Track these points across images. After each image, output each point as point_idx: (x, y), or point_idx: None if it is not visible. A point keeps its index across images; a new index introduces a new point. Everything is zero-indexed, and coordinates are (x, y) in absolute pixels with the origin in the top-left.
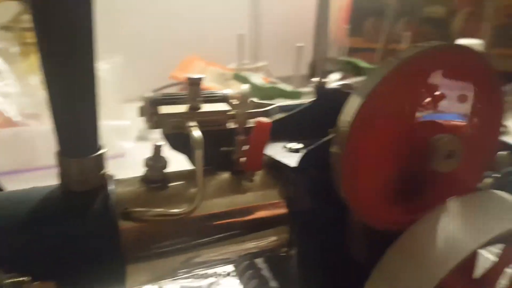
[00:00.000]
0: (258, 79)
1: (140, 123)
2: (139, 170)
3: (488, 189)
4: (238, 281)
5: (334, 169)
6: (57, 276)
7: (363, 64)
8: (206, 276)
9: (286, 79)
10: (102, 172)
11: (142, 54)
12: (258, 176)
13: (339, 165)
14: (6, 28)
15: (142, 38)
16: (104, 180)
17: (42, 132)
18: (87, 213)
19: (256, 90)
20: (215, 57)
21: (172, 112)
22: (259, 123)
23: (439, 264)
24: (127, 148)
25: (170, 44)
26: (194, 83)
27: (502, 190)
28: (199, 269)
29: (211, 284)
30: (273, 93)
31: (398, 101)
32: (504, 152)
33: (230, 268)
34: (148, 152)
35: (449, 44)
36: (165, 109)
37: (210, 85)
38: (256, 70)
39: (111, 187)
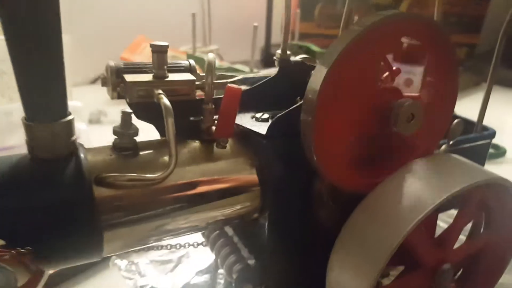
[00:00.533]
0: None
1: (91, 106)
2: None
3: (444, 154)
4: (209, 250)
5: (304, 136)
6: (34, 244)
7: (315, 48)
8: (178, 248)
9: (237, 64)
10: (72, 138)
11: (90, 34)
12: (229, 144)
13: (309, 132)
14: None
15: (90, 18)
16: (74, 147)
17: None
18: (61, 180)
19: None
20: (165, 38)
21: (139, 80)
22: (230, 88)
23: (404, 220)
24: (81, 130)
25: (119, 25)
26: (160, 51)
27: None
28: (174, 235)
29: (182, 256)
30: (229, 72)
31: (361, 68)
32: (456, 121)
33: (200, 239)
34: (102, 135)
35: (409, 13)
36: (130, 78)
37: None
38: (208, 53)
39: (81, 154)
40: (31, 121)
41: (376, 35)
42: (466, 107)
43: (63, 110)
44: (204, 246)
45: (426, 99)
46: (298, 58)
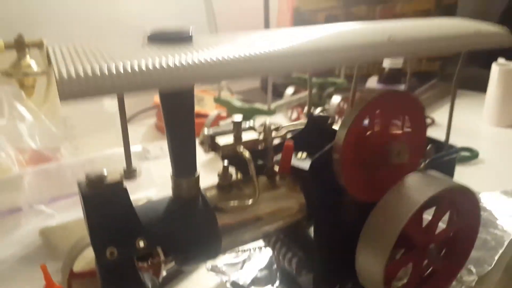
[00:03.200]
0: (238, 102)
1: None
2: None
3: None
4: (264, 254)
5: (336, 168)
6: (180, 250)
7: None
8: (243, 251)
9: (243, 93)
10: (198, 185)
11: None
12: (286, 177)
13: (339, 165)
14: (7, 74)
15: None
16: (199, 190)
17: (70, 165)
18: (197, 210)
19: (237, 110)
20: None
21: (227, 144)
22: (287, 144)
23: (402, 216)
24: (143, 168)
25: None
26: (238, 124)
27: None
28: (256, 239)
29: (245, 259)
30: (251, 112)
31: (368, 125)
32: (429, 146)
33: (261, 244)
34: (157, 170)
35: (395, 90)
36: (221, 140)
37: None
38: (221, 88)
39: (203, 193)
40: (177, 177)
41: (375, 104)
42: (446, 113)
43: (194, 169)
44: (265, 247)
45: (408, 137)
46: (317, 112)
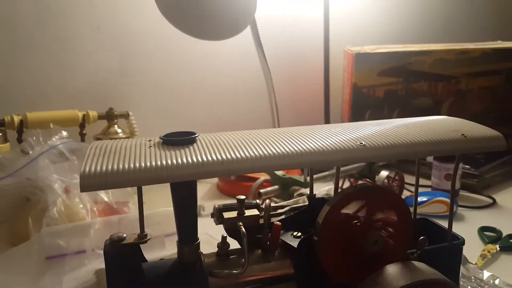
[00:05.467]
0: (280, 172)
1: None
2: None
3: (414, 260)
4: None
5: (316, 249)
6: None
7: None
8: None
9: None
10: (198, 251)
11: None
12: (278, 251)
13: (318, 246)
14: (98, 138)
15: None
16: (199, 255)
17: (130, 218)
18: (195, 273)
19: (278, 179)
20: None
21: (230, 217)
22: (275, 225)
23: None
24: None
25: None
26: (241, 201)
27: (422, 261)
28: None
29: None
30: (290, 182)
31: (347, 214)
32: (421, 238)
33: None
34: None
35: (371, 185)
36: (226, 215)
37: None
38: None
39: (202, 259)
40: (181, 244)
41: (351, 196)
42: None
43: (195, 237)
44: None
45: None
46: (321, 195)
